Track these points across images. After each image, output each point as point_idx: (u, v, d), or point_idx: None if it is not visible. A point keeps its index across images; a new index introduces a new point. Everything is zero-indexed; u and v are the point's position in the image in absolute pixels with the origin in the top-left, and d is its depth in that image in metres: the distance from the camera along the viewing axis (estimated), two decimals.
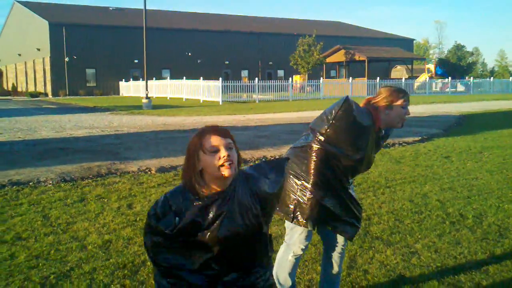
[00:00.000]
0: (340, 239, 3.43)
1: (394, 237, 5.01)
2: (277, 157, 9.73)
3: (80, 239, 5.02)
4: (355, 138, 3.14)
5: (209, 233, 2.25)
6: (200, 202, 2.26)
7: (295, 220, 3.25)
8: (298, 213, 3.23)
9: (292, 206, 3.25)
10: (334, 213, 3.24)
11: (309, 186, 3.20)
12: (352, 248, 4.67)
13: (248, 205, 2.31)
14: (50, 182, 7.59)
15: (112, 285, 3.93)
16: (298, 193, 3.23)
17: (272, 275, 2.57)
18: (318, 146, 3.18)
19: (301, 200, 3.21)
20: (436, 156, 10.02)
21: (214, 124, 2.31)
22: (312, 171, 3.19)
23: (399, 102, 3.17)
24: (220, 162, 2.19)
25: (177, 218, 2.23)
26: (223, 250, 2.29)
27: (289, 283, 3.39)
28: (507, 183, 7.34)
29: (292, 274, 3.38)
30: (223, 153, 2.19)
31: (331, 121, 3.12)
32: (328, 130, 3.14)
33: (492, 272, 4.10)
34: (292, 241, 3.34)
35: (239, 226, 2.28)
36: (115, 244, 4.88)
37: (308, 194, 3.20)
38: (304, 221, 3.21)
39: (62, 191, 7.01)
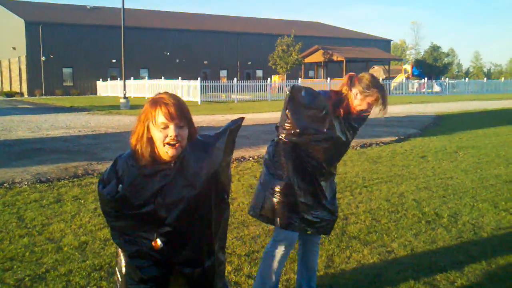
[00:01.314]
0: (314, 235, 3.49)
1: (371, 237, 5.05)
2: (255, 157, 9.74)
3: (56, 241, 4.96)
4: (311, 121, 3.21)
5: (152, 204, 2.23)
6: (144, 170, 2.24)
7: (274, 222, 3.29)
8: (271, 213, 3.28)
9: (268, 207, 3.29)
10: (308, 207, 3.28)
11: (282, 185, 3.24)
12: (330, 247, 4.70)
13: (195, 173, 2.29)
14: (26, 183, 7.49)
15: (89, 287, 3.90)
16: (274, 193, 3.27)
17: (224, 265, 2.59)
18: (285, 141, 3.27)
19: (276, 200, 3.25)
20: (412, 156, 10.13)
21: (172, 95, 2.28)
22: (284, 167, 3.25)
23: (369, 98, 3.26)
24: (167, 140, 2.18)
25: (120, 185, 2.22)
26: (171, 224, 2.27)
27: (273, 280, 3.39)
28: (482, 183, 7.46)
29: (277, 272, 3.39)
30: (171, 132, 2.18)
31: (286, 111, 3.23)
32: (287, 122, 3.23)
33: (466, 271, 4.16)
34: (279, 238, 3.35)
35: (183, 197, 2.27)
36: (91, 245, 4.83)
37: (281, 193, 3.24)
38: (281, 223, 3.26)
39: (37, 192, 6.92)
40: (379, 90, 3.26)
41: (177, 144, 2.20)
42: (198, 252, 2.40)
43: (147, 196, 2.23)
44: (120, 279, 2.44)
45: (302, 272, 3.61)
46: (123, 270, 2.41)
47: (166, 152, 2.20)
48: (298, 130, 3.21)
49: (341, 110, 3.26)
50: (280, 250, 3.35)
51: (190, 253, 2.37)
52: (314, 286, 3.63)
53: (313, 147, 3.24)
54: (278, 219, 3.26)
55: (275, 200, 3.26)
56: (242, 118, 2.56)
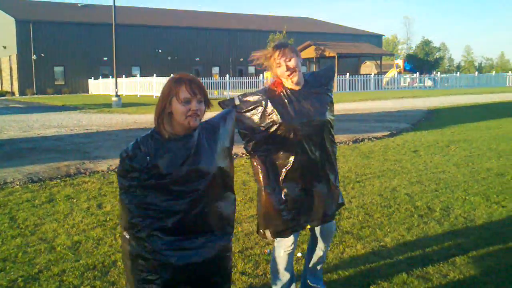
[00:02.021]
0: (326, 227, 3.48)
1: (364, 231, 5.07)
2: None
3: (48, 241, 4.94)
4: (260, 118, 3.19)
5: (178, 169, 2.45)
6: (169, 142, 2.48)
7: (260, 232, 3.31)
8: (262, 225, 3.29)
9: (258, 216, 3.35)
10: (300, 211, 3.26)
11: (262, 197, 3.24)
12: None
13: (210, 149, 2.57)
14: (18, 183, 7.46)
15: (82, 287, 3.89)
16: (259, 207, 3.30)
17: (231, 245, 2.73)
18: (253, 154, 3.26)
19: (263, 211, 3.26)
20: (404, 150, 10.17)
21: (191, 76, 2.53)
22: (260, 176, 3.23)
23: (274, 61, 3.19)
24: (189, 113, 2.44)
25: (148, 157, 2.43)
26: (189, 192, 2.48)
27: (287, 277, 3.45)
28: (473, 176, 7.49)
29: (288, 269, 3.44)
30: (193, 106, 2.45)
31: (238, 130, 3.21)
32: (245, 136, 3.26)
33: (459, 264, 4.19)
34: (278, 242, 3.38)
35: (205, 166, 2.51)
36: (84, 245, 4.82)
37: (263, 205, 3.25)
38: (270, 234, 3.27)
39: (29, 192, 6.89)
40: (273, 47, 3.25)
41: (197, 117, 2.47)
42: (212, 232, 2.60)
43: (174, 164, 2.45)
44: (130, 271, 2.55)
45: (311, 260, 3.63)
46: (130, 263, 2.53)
47: (188, 123, 2.45)
48: (255, 133, 3.20)
49: (277, 88, 3.20)
50: (283, 250, 3.39)
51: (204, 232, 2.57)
52: (321, 276, 3.65)
53: (284, 142, 3.18)
54: (268, 231, 3.26)
55: (260, 212, 3.29)
56: (234, 107, 2.97)
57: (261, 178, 3.23)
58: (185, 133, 2.51)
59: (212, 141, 2.61)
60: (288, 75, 3.14)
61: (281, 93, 3.18)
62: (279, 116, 3.13)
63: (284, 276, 3.45)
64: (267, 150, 3.22)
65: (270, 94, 3.19)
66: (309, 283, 3.66)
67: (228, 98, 3.31)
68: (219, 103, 3.26)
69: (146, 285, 2.49)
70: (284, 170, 3.21)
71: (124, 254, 2.60)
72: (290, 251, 3.39)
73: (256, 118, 3.18)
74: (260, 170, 3.23)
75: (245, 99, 3.23)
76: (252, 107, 3.19)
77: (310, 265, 3.64)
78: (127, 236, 2.51)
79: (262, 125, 3.17)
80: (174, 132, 2.50)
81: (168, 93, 2.47)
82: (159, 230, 2.47)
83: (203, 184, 2.51)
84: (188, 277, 2.53)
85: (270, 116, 3.15)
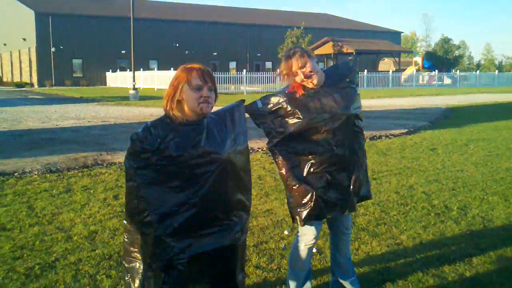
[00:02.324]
0: (345, 222, 3.50)
1: (379, 229, 5.04)
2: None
3: (65, 230, 4.99)
4: (282, 119, 3.22)
5: (188, 151, 2.48)
6: (179, 126, 2.53)
7: (295, 220, 3.34)
8: (293, 213, 3.33)
9: (289, 207, 3.37)
10: (324, 200, 3.27)
11: (287, 188, 3.30)
12: None
13: (220, 135, 2.62)
14: (36, 172, 7.54)
15: (98, 276, 3.92)
16: (288, 194, 3.33)
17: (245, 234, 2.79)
18: (274, 149, 3.30)
19: (291, 201, 3.30)
20: (422, 148, 10.09)
21: (202, 65, 2.59)
22: (284, 172, 3.27)
23: (294, 67, 3.16)
24: (201, 100, 2.50)
25: (158, 139, 2.48)
26: (200, 176, 2.52)
27: (305, 271, 3.47)
28: (492, 176, 7.41)
29: (306, 263, 3.45)
30: (205, 93, 2.52)
31: (258, 125, 3.30)
32: (269, 133, 3.29)
33: (475, 263, 4.15)
34: (302, 232, 3.41)
35: (215, 149, 2.55)
36: (101, 235, 4.86)
37: (289, 195, 3.31)
38: (301, 222, 3.29)
39: (47, 182, 6.96)
40: (284, 58, 3.24)
41: (209, 104, 2.53)
42: (225, 219, 2.63)
43: (185, 147, 2.49)
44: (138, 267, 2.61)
45: (335, 259, 3.64)
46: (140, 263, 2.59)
47: (200, 109, 2.51)
48: (279, 132, 3.24)
49: (297, 91, 3.20)
50: (304, 244, 3.40)
51: (218, 219, 2.60)
52: (351, 270, 3.63)
53: (307, 139, 3.22)
54: (297, 217, 3.30)
55: (288, 202, 3.35)
56: (243, 101, 2.98)
57: (285, 174, 3.27)
58: (196, 118, 2.55)
59: (221, 129, 2.65)
60: (308, 80, 3.15)
61: (301, 95, 3.20)
62: (300, 115, 3.16)
63: (302, 271, 3.47)
64: (291, 147, 3.26)
65: (290, 96, 3.21)
66: (340, 280, 3.64)
67: (252, 102, 3.31)
68: (245, 109, 3.29)
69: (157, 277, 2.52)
70: (308, 164, 3.25)
71: (125, 249, 2.66)
72: (310, 245, 3.41)
73: (279, 119, 3.23)
74: (284, 166, 3.27)
75: (266, 101, 3.27)
76: (274, 108, 3.23)
77: (336, 262, 3.63)
78: (129, 226, 2.57)
79: (285, 125, 3.21)
80: (185, 118, 2.55)
81: (180, 80, 2.54)
82: (167, 216, 2.48)
83: (213, 169, 2.54)
84: (199, 267, 2.56)
85: (292, 116, 3.19)
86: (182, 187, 2.50)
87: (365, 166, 3.45)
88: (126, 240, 2.67)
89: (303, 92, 3.19)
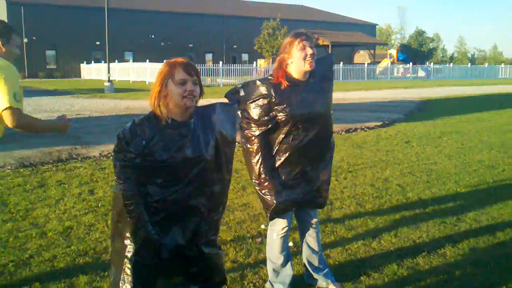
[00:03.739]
0: (312, 214, 3.57)
1: (355, 222, 5.09)
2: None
3: (40, 226, 4.93)
4: (265, 109, 3.24)
5: (172, 156, 2.51)
6: (165, 128, 2.53)
7: (266, 213, 3.42)
8: (263, 206, 3.41)
9: (260, 200, 3.43)
10: (292, 194, 3.35)
11: (258, 178, 3.33)
12: None
13: (205, 137, 2.62)
14: (9, 167, 7.42)
15: (73, 272, 3.88)
16: (257, 187, 3.38)
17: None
18: (248, 144, 3.34)
19: (260, 193, 3.37)
20: (396, 141, 10.20)
21: (185, 59, 2.59)
22: (257, 161, 3.30)
23: (294, 48, 3.21)
24: (185, 94, 2.50)
25: (143, 141, 2.49)
26: (183, 177, 2.56)
27: (281, 260, 3.51)
28: (465, 168, 7.53)
29: (282, 251, 3.51)
30: (189, 87, 2.51)
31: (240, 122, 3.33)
32: (246, 125, 3.32)
33: (449, 255, 4.22)
34: (272, 222, 3.48)
35: (199, 153, 2.58)
36: (76, 230, 4.81)
37: (260, 187, 3.35)
38: (270, 216, 3.39)
39: (21, 177, 6.86)
40: (295, 34, 3.28)
41: (193, 98, 2.53)
42: (200, 225, 2.69)
43: (169, 152, 2.51)
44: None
45: (306, 252, 3.68)
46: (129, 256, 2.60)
47: (184, 104, 2.50)
48: (258, 122, 3.26)
49: (282, 81, 3.23)
50: (276, 234, 3.48)
51: (193, 224, 2.67)
52: (322, 264, 3.66)
53: (283, 131, 3.26)
54: (266, 211, 3.40)
55: (260, 196, 3.40)
56: (236, 102, 3.08)
57: (258, 164, 3.30)
58: (181, 117, 2.56)
59: (207, 128, 2.66)
60: (309, 59, 3.19)
61: (286, 85, 3.22)
62: (284, 107, 3.20)
63: (279, 260, 3.51)
64: (265, 137, 3.29)
65: (275, 86, 3.23)
66: (313, 274, 3.67)
67: (233, 87, 3.33)
68: (226, 95, 3.36)
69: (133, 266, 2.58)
70: (281, 155, 3.30)
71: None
72: (282, 234, 3.48)
73: (261, 108, 3.24)
74: (257, 156, 3.29)
75: (250, 89, 3.28)
76: (258, 97, 3.25)
77: (307, 256, 3.66)
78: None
79: (267, 115, 3.24)
80: (170, 115, 2.54)
81: (163, 76, 2.54)
82: (150, 211, 2.55)
83: (196, 170, 2.58)
84: (175, 259, 2.65)
85: (276, 107, 3.22)
86: (164, 185, 2.54)
87: (330, 170, 3.54)
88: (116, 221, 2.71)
89: (287, 83, 3.22)
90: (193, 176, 2.58)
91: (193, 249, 2.68)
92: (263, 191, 3.33)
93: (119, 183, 2.53)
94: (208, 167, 2.63)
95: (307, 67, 3.20)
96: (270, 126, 3.24)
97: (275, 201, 3.29)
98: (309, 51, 3.19)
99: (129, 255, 2.57)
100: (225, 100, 3.24)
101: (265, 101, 3.22)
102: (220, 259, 2.85)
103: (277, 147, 3.29)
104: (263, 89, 3.24)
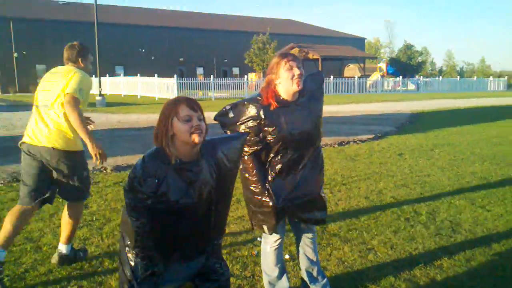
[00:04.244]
0: (308, 226, 3.55)
1: (351, 234, 5.09)
2: None
3: (34, 240, 4.89)
4: (253, 130, 3.23)
5: (185, 199, 2.51)
6: (175, 167, 2.50)
7: (255, 227, 3.43)
8: (255, 220, 3.41)
9: (250, 214, 3.45)
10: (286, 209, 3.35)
11: (254, 193, 3.33)
12: None
13: (208, 179, 2.61)
14: (2, 181, 7.37)
15: (69, 287, 3.85)
16: (250, 202, 3.39)
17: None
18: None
19: (253, 208, 3.37)
20: (389, 153, 10.24)
21: (187, 96, 2.59)
22: (250, 178, 3.32)
23: (281, 69, 3.20)
24: (192, 130, 2.47)
25: (156, 180, 2.45)
26: (195, 213, 2.59)
27: (276, 272, 3.52)
28: (458, 180, 7.57)
29: (277, 264, 3.51)
30: (195, 122, 2.48)
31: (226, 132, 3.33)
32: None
33: (445, 267, 4.22)
34: (265, 235, 3.49)
35: (209, 195, 2.60)
36: None
37: (250, 205, 3.39)
38: (262, 228, 3.39)
39: (14, 191, 6.80)
40: (280, 55, 3.27)
41: (200, 133, 2.49)
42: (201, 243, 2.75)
43: (181, 193, 2.50)
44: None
45: (304, 263, 3.66)
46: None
47: (193, 140, 2.47)
48: (248, 142, 3.25)
49: (271, 102, 3.22)
50: (269, 246, 3.49)
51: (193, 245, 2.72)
52: (320, 275, 3.64)
53: (273, 148, 3.27)
54: (265, 227, 3.38)
55: (253, 211, 3.41)
56: (247, 133, 3.12)
57: (251, 180, 3.31)
58: (189, 157, 2.54)
59: (214, 164, 2.65)
60: (297, 79, 3.17)
61: (275, 107, 3.21)
62: (273, 130, 3.20)
63: (274, 272, 3.52)
64: (256, 155, 3.30)
65: (264, 107, 3.22)
66: (311, 286, 3.65)
67: (221, 110, 3.32)
68: (214, 118, 3.35)
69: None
70: (272, 172, 3.31)
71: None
72: (276, 246, 3.49)
73: (250, 130, 3.24)
74: (250, 173, 3.30)
75: (239, 110, 3.27)
76: (247, 119, 3.24)
77: (304, 267, 3.65)
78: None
79: (257, 136, 3.24)
80: (180, 155, 2.52)
81: (168, 115, 2.50)
82: (157, 249, 2.56)
83: (206, 207, 2.63)
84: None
85: (265, 128, 3.22)
86: (171, 222, 2.55)
87: (322, 181, 3.53)
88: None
89: (277, 105, 3.22)
90: (202, 212, 2.62)
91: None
92: (256, 209, 3.35)
93: (131, 219, 2.50)
94: (216, 203, 2.67)
95: (295, 87, 3.19)
96: (260, 146, 3.25)
97: (272, 218, 3.30)
98: (297, 71, 3.17)
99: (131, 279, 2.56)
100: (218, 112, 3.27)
101: (255, 123, 3.22)
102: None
103: (268, 164, 3.31)
104: (252, 111, 3.23)
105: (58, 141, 3.96)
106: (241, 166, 3.32)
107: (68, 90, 3.90)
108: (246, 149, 3.25)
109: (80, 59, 4.36)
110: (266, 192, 3.28)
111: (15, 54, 48.34)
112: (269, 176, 3.31)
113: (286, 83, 3.19)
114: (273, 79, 3.23)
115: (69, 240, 4.27)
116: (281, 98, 3.24)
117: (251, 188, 3.32)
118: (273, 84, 3.24)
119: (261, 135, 3.23)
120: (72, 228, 4.26)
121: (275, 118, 3.20)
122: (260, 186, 3.28)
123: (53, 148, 3.95)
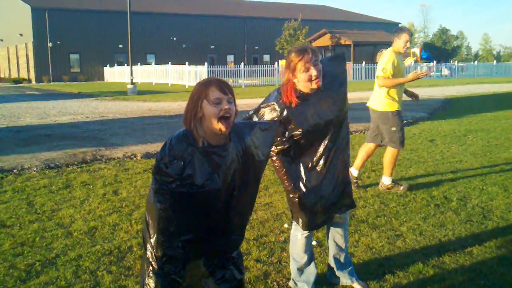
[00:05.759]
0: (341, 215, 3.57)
1: (379, 220, 5.04)
2: None
3: (65, 226, 4.99)
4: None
5: (211, 184, 2.44)
6: (202, 150, 2.44)
7: (293, 219, 3.49)
8: (293, 211, 3.46)
9: (290, 206, 3.49)
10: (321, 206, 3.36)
11: (295, 196, 3.34)
12: None
13: (235, 164, 2.53)
14: (35, 169, 7.53)
15: (98, 272, 3.92)
16: (291, 202, 3.43)
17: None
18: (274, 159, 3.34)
19: (291, 201, 3.41)
20: (421, 139, 10.08)
21: (219, 78, 2.51)
22: (285, 178, 3.34)
23: (298, 71, 3.15)
24: (221, 113, 2.40)
25: (182, 163, 2.39)
26: (219, 201, 2.52)
27: (305, 259, 3.52)
28: (490, 166, 7.41)
29: (306, 251, 3.52)
30: (225, 105, 2.41)
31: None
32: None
33: (475, 254, 4.15)
34: (296, 225, 3.49)
35: (235, 182, 2.54)
36: (101, 230, 4.85)
37: (292, 202, 3.40)
38: (298, 220, 3.42)
39: (46, 178, 6.95)
40: (297, 52, 3.18)
41: (229, 118, 2.42)
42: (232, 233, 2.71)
43: (208, 177, 2.43)
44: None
45: (333, 250, 3.68)
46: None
47: (219, 128, 2.40)
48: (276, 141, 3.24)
49: (292, 99, 3.18)
50: (300, 233, 3.49)
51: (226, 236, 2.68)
52: (347, 261, 3.66)
53: (303, 144, 3.27)
54: (301, 221, 3.41)
55: (293, 208, 3.44)
56: (279, 122, 3.09)
57: (283, 179, 3.36)
58: (217, 140, 2.48)
59: (242, 150, 2.59)
60: (315, 80, 3.14)
61: (296, 103, 3.19)
62: (298, 126, 3.18)
63: (303, 258, 3.52)
64: (284, 154, 3.30)
65: (286, 106, 3.19)
66: (337, 272, 3.66)
67: (245, 115, 3.30)
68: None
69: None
70: (307, 169, 3.32)
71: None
72: (307, 234, 3.49)
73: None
74: (284, 173, 3.33)
75: (262, 113, 3.24)
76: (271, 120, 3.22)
77: (333, 254, 3.66)
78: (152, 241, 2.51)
79: (282, 135, 3.23)
80: (207, 137, 2.46)
81: (198, 97, 2.44)
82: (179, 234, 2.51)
83: (229, 193, 2.56)
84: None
85: (290, 126, 3.20)
86: (194, 207, 2.50)
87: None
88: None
89: (297, 101, 3.19)
90: (226, 201, 2.56)
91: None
92: (294, 208, 3.40)
93: (156, 203, 2.46)
94: (241, 191, 2.63)
95: (314, 86, 3.16)
96: (287, 146, 3.24)
97: (307, 216, 3.35)
98: (314, 72, 3.11)
99: (154, 264, 2.52)
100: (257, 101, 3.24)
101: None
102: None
103: (301, 159, 3.31)
104: (275, 112, 3.20)
105: None
106: (274, 164, 3.35)
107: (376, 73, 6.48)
108: (273, 148, 3.23)
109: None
110: (298, 192, 3.30)
111: (50, 44, 49.17)
112: (303, 171, 3.31)
113: (304, 83, 3.17)
114: (291, 78, 3.20)
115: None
116: (302, 92, 3.21)
117: (285, 185, 3.36)
118: (291, 81, 3.21)
119: (286, 134, 3.21)
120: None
121: (300, 114, 3.18)
122: (292, 185, 3.31)
123: None
